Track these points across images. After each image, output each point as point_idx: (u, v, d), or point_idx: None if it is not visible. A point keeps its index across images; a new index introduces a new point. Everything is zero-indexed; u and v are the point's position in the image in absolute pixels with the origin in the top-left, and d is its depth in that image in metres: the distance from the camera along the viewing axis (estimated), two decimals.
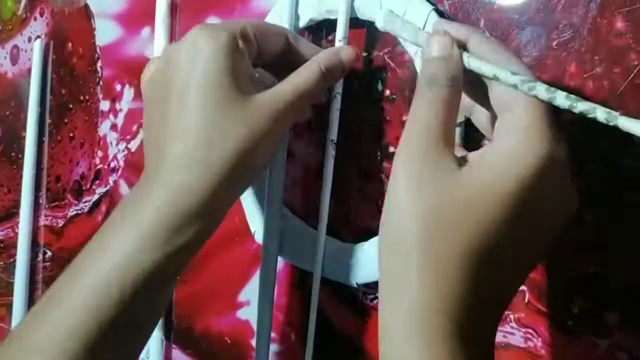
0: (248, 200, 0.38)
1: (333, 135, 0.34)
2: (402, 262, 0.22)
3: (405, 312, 0.22)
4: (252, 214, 0.38)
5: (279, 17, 0.36)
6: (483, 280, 0.22)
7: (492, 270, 0.22)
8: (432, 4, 0.31)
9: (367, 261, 0.34)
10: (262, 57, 0.30)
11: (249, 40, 0.28)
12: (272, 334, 0.40)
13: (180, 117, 0.27)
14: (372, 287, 0.35)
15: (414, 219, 0.22)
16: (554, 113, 0.22)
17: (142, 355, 0.43)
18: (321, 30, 0.36)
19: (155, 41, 0.44)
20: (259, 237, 0.38)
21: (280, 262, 0.39)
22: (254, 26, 0.29)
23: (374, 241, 0.34)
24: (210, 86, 0.27)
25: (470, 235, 0.21)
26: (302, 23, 0.36)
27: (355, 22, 0.34)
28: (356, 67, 0.34)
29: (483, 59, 0.23)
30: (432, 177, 0.22)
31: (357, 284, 0.34)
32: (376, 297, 0.35)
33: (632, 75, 0.27)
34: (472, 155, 0.23)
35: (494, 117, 0.24)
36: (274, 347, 0.40)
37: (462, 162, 0.23)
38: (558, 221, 0.23)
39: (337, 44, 0.33)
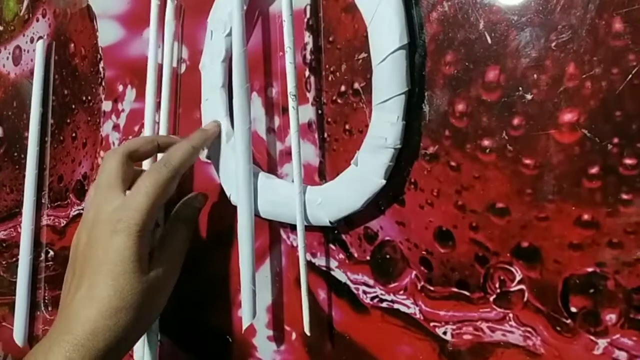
0: (221, 166, 0.40)
1: (291, 87, 0.36)
2: None
3: None
4: (226, 179, 0.40)
5: None
6: None
7: None
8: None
9: (336, 199, 0.35)
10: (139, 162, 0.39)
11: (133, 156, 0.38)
12: (272, 334, 0.40)
13: (93, 287, 0.34)
14: (371, 285, 0.35)
15: None
16: None
17: (137, 355, 0.43)
18: None
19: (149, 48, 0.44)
20: (234, 199, 0.39)
21: (282, 260, 0.40)
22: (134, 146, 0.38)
23: (340, 179, 0.35)
24: (118, 265, 0.34)
25: None
26: None
27: None
28: None
29: None
30: None
31: (330, 222, 0.36)
32: (376, 296, 0.35)
33: (631, 76, 0.27)
34: None
35: None
36: (274, 347, 0.40)
37: None
38: None
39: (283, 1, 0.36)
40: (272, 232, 0.40)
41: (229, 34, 0.39)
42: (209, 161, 0.42)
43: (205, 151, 0.41)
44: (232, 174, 0.39)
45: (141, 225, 0.34)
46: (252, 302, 0.37)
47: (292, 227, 0.39)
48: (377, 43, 0.33)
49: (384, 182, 0.34)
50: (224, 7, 0.40)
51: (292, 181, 0.37)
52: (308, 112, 0.38)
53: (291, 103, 0.36)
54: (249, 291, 0.37)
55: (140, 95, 0.47)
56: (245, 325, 0.37)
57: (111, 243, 0.33)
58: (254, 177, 0.38)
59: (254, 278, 0.37)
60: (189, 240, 0.39)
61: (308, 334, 0.36)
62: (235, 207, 0.38)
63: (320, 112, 0.38)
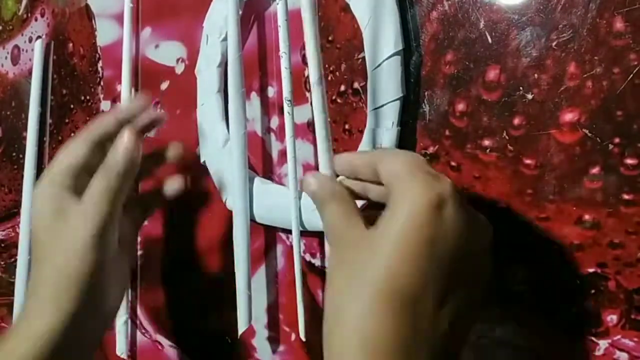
0: (216, 171, 0.40)
1: (287, 93, 0.36)
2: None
3: None
4: (221, 183, 0.40)
5: None
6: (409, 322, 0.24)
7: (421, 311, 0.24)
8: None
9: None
10: (85, 167, 0.35)
11: (59, 177, 0.35)
12: (272, 334, 0.40)
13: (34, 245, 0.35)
14: None
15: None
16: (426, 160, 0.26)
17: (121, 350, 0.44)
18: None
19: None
20: (230, 204, 0.39)
21: (281, 261, 0.39)
22: (59, 164, 0.35)
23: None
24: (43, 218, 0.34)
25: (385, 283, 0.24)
26: None
27: None
28: None
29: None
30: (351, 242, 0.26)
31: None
32: None
33: (632, 75, 0.27)
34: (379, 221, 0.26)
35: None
36: (274, 347, 0.40)
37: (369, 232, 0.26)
38: (474, 252, 0.25)
39: (278, 4, 0.36)
40: (271, 232, 0.40)
41: (225, 39, 0.39)
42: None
43: (202, 155, 0.41)
44: (228, 178, 0.39)
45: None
46: (248, 308, 0.37)
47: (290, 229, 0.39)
48: (372, 49, 0.33)
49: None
50: (219, 11, 0.40)
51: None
52: (307, 112, 0.38)
53: (286, 108, 0.36)
54: (245, 296, 0.37)
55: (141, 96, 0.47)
56: (240, 331, 0.37)
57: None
58: (249, 181, 0.38)
59: (250, 283, 0.37)
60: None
61: (303, 339, 0.36)
62: (231, 211, 0.38)
63: None
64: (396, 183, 0.25)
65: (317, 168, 0.38)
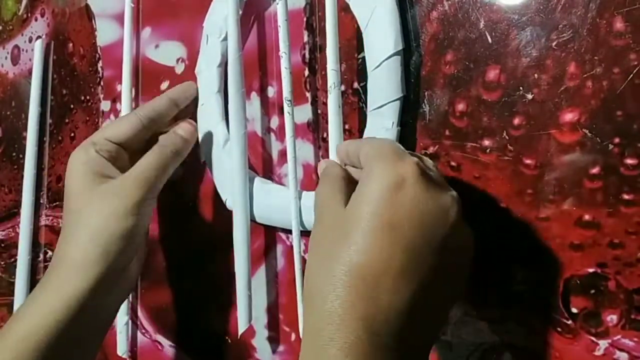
0: (217, 171, 0.39)
1: (287, 93, 0.36)
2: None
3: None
4: (221, 183, 0.39)
5: None
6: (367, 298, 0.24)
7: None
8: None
9: None
10: (125, 143, 0.37)
11: (100, 146, 0.36)
12: (272, 334, 0.40)
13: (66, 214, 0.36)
14: None
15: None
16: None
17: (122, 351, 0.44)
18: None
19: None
20: (230, 204, 0.39)
21: (281, 261, 0.39)
22: (103, 133, 0.37)
23: None
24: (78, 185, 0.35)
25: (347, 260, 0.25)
26: None
27: None
28: None
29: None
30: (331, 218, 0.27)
31: None
32: None
33: (632, 75, 0.27)
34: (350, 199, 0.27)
35: None
36: (274, 347, 0.40)
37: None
38: (435, 231, 0.25)
39: (278, 4, 0.36)
40: (271, 232, 0.40)
41: (225, 39, 0.39)
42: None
43: (202, 155, 0.41)
44: (228, 178, 0.39)
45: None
46: (248, 308, 0.37)
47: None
48: (372, 49, 0.33)
49: None
50: (219, 11, 0.40)
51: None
52: (307, 112, 0.38)
53: (286, 108, 0.36)
54: (245, 296, 0.37)
55: (140, 95, 0.47)
56: (241, 331, 0.37)
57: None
58: (249, 181, 0.38)
59: (250, 283, 0.37)
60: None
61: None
62: (231, 212, 0.38)
63: (319, 111, 0.37)
64: (365, 165, 0.27)
65: (317, 168, 0.38)
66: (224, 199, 0.39)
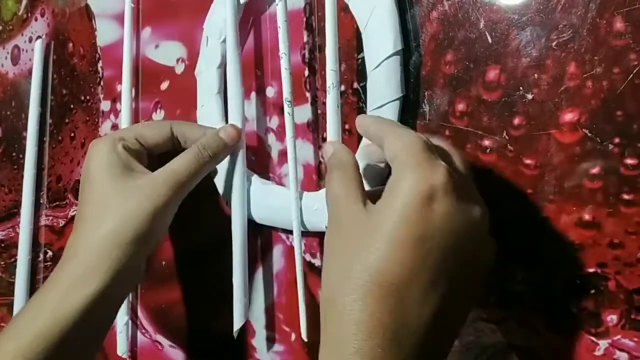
0: (217, 173, 0.39)
1: (287, 94, 0.36)
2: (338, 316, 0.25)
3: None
4: (222, 184, 0.39)
5: None
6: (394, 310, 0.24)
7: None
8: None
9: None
10: (151, 148, 0.36)
11: (128, 142, 0.35)
12: (272, 334, 0.40)
13: (83, 205, 0.35)
14: None
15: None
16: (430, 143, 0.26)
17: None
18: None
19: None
20: (230, 204, 0.38)
21: (281, 261, 0.39)
22: (134, 131, 0.36)
23: None
24: (98, 177, 0.34)
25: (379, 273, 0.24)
26: None
27: None
28: None
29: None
30: (351, 231, 0.26)
31: (327, 227, 0.35)
32: None
33: (632, 75, 0.27)
34: (377, 203, 0.26)
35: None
36: (274, 347, 0.40)
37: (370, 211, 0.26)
38: (468, 239, 0.25)
39: (278, 5, 0.36)
40: (271, 232, 0.40)
41: (225, 40, 0.39)
42: None
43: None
44: (228, 179, 0.39)
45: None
46: (244, 311, 0.37)
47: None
48: (371, 49, 0.33)
49: (380, 188, 0.33)
50: (219, 13, 0.40)
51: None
52: (307, 112, 0.38)
53: (286, 109, 0.36)
54: (241, 295, 0.37)
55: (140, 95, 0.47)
56: (236, 328, 0.37)
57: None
58: (250, 182, 0.38)
59: (246, 282, 0.37)
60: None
61: (305, 339, 0.36)
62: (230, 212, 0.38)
63: (319, 111, 0.37)
64: (394, 167, 0.26)
65: (317, 168, 0.38)
66: (224, 200, 0.39)
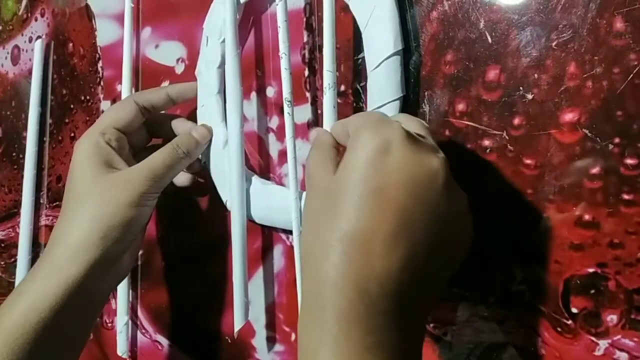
0: (217, 173, 0.40)
1: (287, 93, 0.36)
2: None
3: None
4: (221, 184, 0.39)
5: None
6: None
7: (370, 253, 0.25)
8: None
9: None
10: (126, 128, 0.39)
11: (109, 134, 0.38)
12: (272, 334, 0.40)
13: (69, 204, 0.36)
14: None
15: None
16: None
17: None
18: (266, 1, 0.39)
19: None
20: (230, 205, 0.39)
21: (281, 261, 0.39)
22: (109, 118, 0.39)
23: None
24: (83, 173, 0.36)
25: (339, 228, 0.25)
26: None
27: None
28: None
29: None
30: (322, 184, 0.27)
31: None
32: None
33: (632, 75, 0.27)
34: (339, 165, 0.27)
35: None
36: (273, 348, 0.40)
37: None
38: (423, 196, 0.25)
39: (278, 5, 0.36)
40: (271, 232, 0.40)
41: (224, 40, 0.39)
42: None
43: (202, 156, 0.41)
44: (227, 179, 0.39)
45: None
46: (245, 311, 0.37)
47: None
48: (372, 49, 0.33)
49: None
50: (219, 13, 0.40)
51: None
52: (307, 112, 0.38)
53: (286, 109, 0.36)
54: (241, 296, 0.37)
55: None
56: (237, 328, 0.37)
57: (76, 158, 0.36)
58: (249, 182, 0.38)
59: (246, 282, 0.37)
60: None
61: None
62: (230, 212, 0.38)
63: (319, 111, 0.37)
64: (352, 132, 0.27)
65: None
66: (224, 200, 0.39)
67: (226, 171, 0.39)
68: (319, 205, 0.27)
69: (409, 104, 0.33)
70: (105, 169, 0.36)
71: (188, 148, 0.38)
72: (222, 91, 0.40)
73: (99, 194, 0.35)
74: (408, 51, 0.33)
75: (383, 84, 0.33)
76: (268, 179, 0.40)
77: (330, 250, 0.25)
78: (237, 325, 0.37)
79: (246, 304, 0.37)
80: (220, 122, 0.40)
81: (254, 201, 0.38)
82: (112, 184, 0.35)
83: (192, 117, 0.42)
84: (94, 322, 0.37)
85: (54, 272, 0.33)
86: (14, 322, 0.32)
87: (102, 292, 0.37)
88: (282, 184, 0.39)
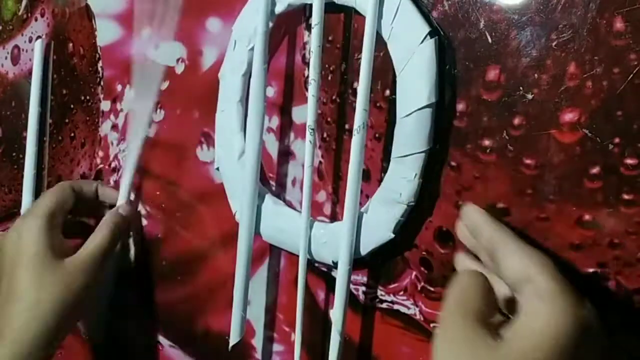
0: (229, 182, 0.39)
1: (310, 121, 0.34)
2: None
3: None
4: (232, 195, 0.39)
5: (257, 1, 0.37)
6: None
7: None
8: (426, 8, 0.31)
9: (342, 241, 0.34)
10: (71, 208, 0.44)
11: (56, 216, 0.42)
12: (272, 334, 0.40)
13: (14, 285, 0.39)
14: (371, 286, 0.35)
15: None
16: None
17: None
18: (302, 14, 0.37)
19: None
20: (239, 217, 0.38)
21: (281, 261, 0.40)
22: (58, 203, 0.43)
23: (345, 219, 0.34)
24: (32, 259, 0.39)
25: None
26: (279, 8, 0.37)
27: (332, 7, 0.34)
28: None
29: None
30: (471, 356, 0.23)
31: (333, 262, 0.35)
32: (376, 297, 0.35)
33: (632, 75, 0.27)
34: (506, 331, 0.24)
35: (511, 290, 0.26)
36: (273, 348, 0.40)
37: (497, 339, 0.24)
38: None
39: (313, 29, 0.34)
40: None
41: (253, 48, 0.38)
42: (207, 161, 0.42)
43: (216, 161, 0.41)
44: (239, 191, 0.38)
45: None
46: (241, 327, 0.37)
47: None
48: (404, 96, 0.32)
49: (392, 235, 0.33)
50: (250, 18, 0.38)
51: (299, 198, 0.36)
52: (307, 112, 0.38)
53: (308, 137, 0.34)
54: (239, 317, 0.37)
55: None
56: (232, 343, 0.37)
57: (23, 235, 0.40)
58: (261, 199, 0.38)
59: (246, 301, 0.37)
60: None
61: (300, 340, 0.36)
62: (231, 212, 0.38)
63: (319, 111, 0.37)
64: (529, 295, 0.24)
65: (318, 168, 0.38)
66: (233, 210, 0.39)
67: (239, 183, 0.38)
68: None
69: (436, 153, 0.32)
70: (50, 260, 0.39)
71: (120, 225, 0.43)
72: (244, 99, 0.39)
73: (33, 285, 0.38)
74: (441, 103, 0.32)
75: (411, 134, 0.32)
76: (268, 179, 0.40)
77: None
78: (233, 340, 0.37)
79: (243, 318, 0.37)
80: (239, 131, 0.39)
81: (264, 219, 0.38)
82: (54, 283, 0.38)
83: (191, 117, 0.42)
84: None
85: None
86: None
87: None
88: (281, 185, 0.39)
